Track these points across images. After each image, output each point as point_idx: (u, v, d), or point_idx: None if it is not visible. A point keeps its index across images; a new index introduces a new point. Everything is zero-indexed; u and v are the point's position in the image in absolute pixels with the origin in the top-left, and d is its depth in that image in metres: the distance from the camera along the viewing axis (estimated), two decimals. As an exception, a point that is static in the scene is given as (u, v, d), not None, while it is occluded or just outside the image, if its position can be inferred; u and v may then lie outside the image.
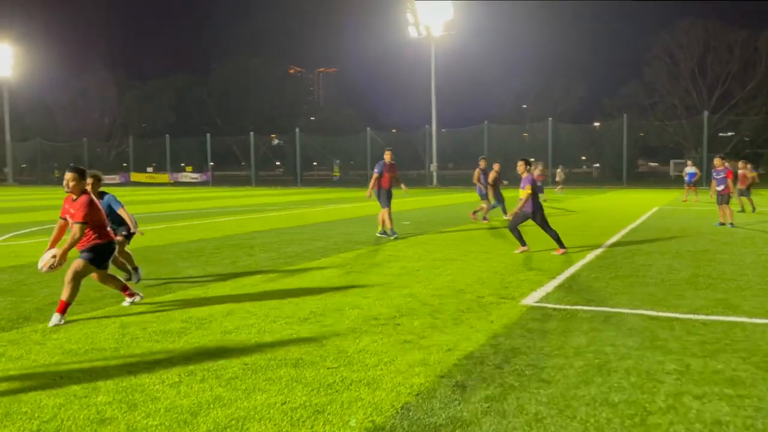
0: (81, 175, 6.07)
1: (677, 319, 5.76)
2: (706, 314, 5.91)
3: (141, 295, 6.67)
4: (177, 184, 56.22)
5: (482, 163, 16.62)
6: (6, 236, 13.44)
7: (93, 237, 6.01)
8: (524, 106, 72.22)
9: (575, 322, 5.66)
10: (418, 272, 8.39)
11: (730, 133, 59.97)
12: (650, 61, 61.14)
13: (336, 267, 8.86)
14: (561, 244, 10.08)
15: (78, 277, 5.88)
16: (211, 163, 70.77)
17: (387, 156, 12.58)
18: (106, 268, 6.19)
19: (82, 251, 6.01)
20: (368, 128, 52.02)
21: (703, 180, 44.48)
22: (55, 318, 5.74)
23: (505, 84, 71.09)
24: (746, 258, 9.40)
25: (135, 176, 58.78)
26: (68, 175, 6.01)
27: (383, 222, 12.57)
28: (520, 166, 10.23)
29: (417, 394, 3.90)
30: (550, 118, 48.68)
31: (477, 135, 48.58)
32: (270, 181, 64.26)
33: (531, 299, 6.65)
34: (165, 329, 5.54)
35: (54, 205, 25.18)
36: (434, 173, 48.23)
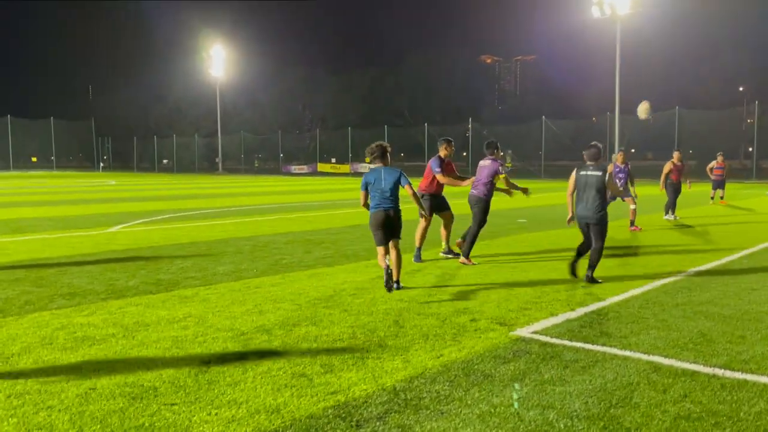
0: None
1: (696, 373, 4.19)
2: (745, 371, 4.23)
3: None
4: (357, 174, 58.57)
5: (677, 156, 14.34)
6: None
7: None
8: (741, 88, 63.21)
9: (549, 364, 4.38)
10: (449, 282, 7.36)
11: None
12: None
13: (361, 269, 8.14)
14: (464, 253, 8.74)
15: None
16: (403, 154, 72.79)
17: (443, 150, 9.23)
18: None
19: None
20: (543, 116, 49.20)
21: None
22: None
23: (711, 65, 62.42)
24: None
25: (321, 167, 62.30)
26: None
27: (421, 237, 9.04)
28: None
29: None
30: (756, 102, 41.82)
31: (666, 122, 43.36)
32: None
33: (530, 328, 5.37)
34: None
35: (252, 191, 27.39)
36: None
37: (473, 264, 8.65)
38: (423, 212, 7.68)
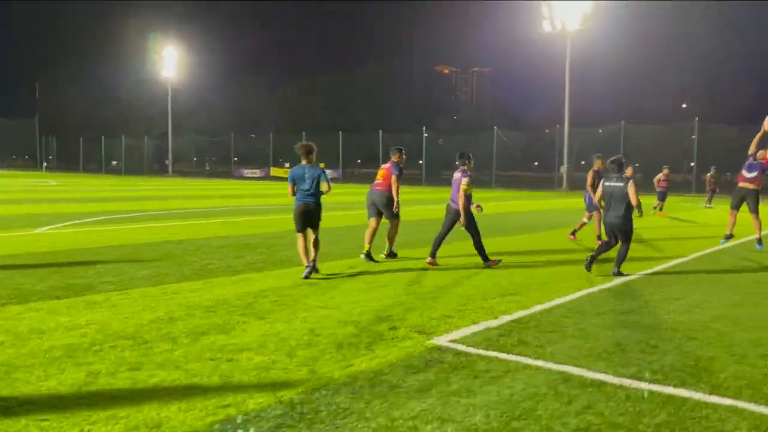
0: None
1: (604, 383, 4.12)
2: (664, 383, 4.18)
3: None
4: (310, 179, 58.23)
5: (599, 164, 12.27)
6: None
7: None
8: (684, 105, 65.59)
9: (460, 374, 4.25)
10: (377, 288, 7.20)
11: None
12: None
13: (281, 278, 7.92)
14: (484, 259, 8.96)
15: None
16: (360, 160, 72.55)
17: (396, 158, 9.59)
18: None
19: None
20: (495, 127, 49.82)
21: None
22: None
23: (656, 80, 64.67)
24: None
25: (274, 171, 61.58)
26: None
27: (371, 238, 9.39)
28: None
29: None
30: (696, 118, 43.42)
31: (613, 135, 44.45)
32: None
33: (449, 337, 5.25)
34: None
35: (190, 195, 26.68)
36: (564, 176, 45.00)
37: (498, 262, 9.01)
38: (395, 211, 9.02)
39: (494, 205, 24.15)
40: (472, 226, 8.90)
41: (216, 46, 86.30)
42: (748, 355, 4.86)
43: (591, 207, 12.22)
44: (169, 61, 66.21)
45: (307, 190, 7.97)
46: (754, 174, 10.74)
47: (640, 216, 8.53)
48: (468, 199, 8.90)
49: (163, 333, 5.20)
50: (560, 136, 45.90)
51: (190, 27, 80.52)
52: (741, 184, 11.08)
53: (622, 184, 8.17)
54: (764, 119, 10.56)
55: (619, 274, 8.29)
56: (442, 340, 5.14)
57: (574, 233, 12.44)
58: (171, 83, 67.46)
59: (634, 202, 8.13)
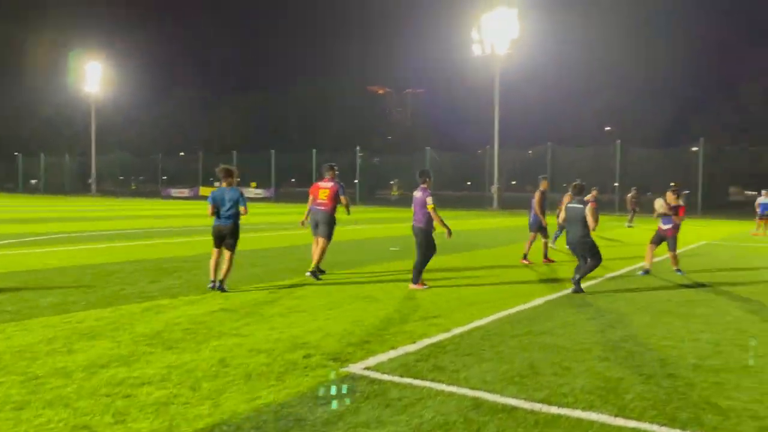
0: None
1: (515, 409, 4.09)
2: (573, 407, 4.19)
3: None
4: (242, 198, 57.18)
5: (544, 185, 12.71)
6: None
7: None
8: (607, 128, 68.41)
9: (371, 404, 4.12)
10: (297, 314, 7.00)
11: None
12: (746, 82, 56.14)
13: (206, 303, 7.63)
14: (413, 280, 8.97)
15: None
16: (294, 180, 71.68)
17: (330, 174, 9.98)
18: None
19: None
20: (427, 147, 50.52)
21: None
22: None
23: (582, 103, 67.47)
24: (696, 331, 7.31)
25: (203, 190, 60.12)
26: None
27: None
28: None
29: None
30: (618, 141, 45.48)
31: (542, 156, 45.92)
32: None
33: (365, 364, 5.13)
34: None
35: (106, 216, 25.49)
36: (495, 195, 45.99)
37: (426, 287, 8.86)
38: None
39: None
40: (430, 245, 8.92)
41: (144, 62, 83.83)
42: (655, 375, 4.96)
43: (533, 226, 12.54)
44: (93, 76, 63.89)
45: (226, 211, 8.34)
46: (669, 225, 11.07)
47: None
48: (430, 216, 8.87)
49: (58, 367, 4.84)
50: (490, 156, 46.93)
51: (117, 41, 77.93)
52: (661, 230, 11.28)
53: (581, 206, 8.78)
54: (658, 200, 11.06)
55: (578, 284, 8.76)
56: (356, 368, 5.01)
57: (525, 257, 12.47)
58: (95, 99, 65.04)
59: (591, 223, 8.63)
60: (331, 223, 9.79)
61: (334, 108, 76.29)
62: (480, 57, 46.51)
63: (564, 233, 14.92)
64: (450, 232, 8.98)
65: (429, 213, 8.81)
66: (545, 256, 12.60)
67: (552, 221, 12.67)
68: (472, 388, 4.54)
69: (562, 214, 9.58)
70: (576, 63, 68.67)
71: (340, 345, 5.71)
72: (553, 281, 10.02)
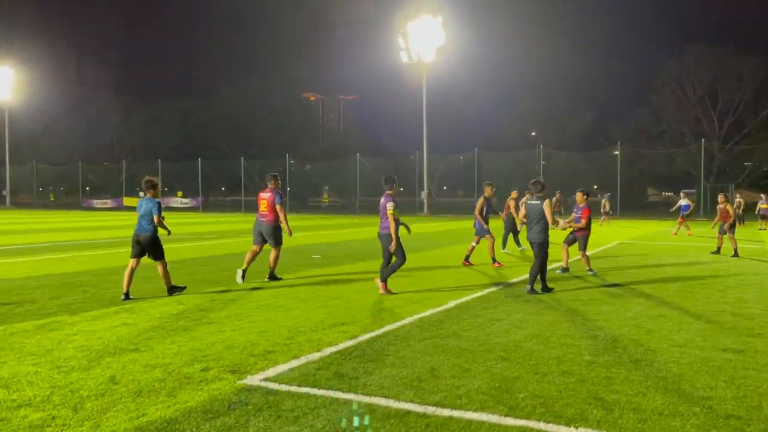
0: None
1: (408, 413, 4.09)
2: (457, 407, 4.22)
3: None
4: (168, 209, 55.43)
5: (488, 191, 12.95)
6: None
7: None
8: (533, 133, 70.50)
9: (262, 416, 4.02)
10: (202, 326, 6.80)
11: (747, 163, 57.38)
12: (658, 88, 59.09)
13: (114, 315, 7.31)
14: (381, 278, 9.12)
15: None
16: (225, 188, 69.95)
17: (273, 184, 10.30)
18: None
19: None
20: (357, 154, 50.66)
21: (701, 211, 42.17)
22: None
23: (507, 110, 69.47)
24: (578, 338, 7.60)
25: (127, 201, 58.10)
26: None
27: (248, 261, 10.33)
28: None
29: None
30: (541, 146, 47.00)
31: (470, 162, 46.89)
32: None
33: (264, 374, 5.02)
34: None
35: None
36: (425, 201, 46.56)
37: (393, 293, 8.94)
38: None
39: (355, 231, 24.30)
40: (399, 250, 8.94)
41: (65, 69, 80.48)
42: (550, 373, 5.08)
43: (481, 231, 12.78)
44: (5, 83, 60.69)
45: (142, 219, 8.57)
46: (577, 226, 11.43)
47: (554, 228, 9.43)
48: (396, 222, 8.97)
49: (-74, 393, 4.50)
50: (420, 162, 47.50)
51: (34, 49, 74.47)
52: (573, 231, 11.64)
53: (539, 203, 9.04)
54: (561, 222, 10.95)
55: (533, 292, 8.94)
56: (254, 380, 4.89)
57: (467, 259, 12.81)
58: (8, 107, 61.81)
59: (549, 218, 8.96)
60: (274, 233, 10.12)
61: (262, 115, 75.17)
62: (408, 64, 47.07)
63: (510, 236, 15.50)
64: (397, 242, 8.93)
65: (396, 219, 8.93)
66: (494, 260, 12.66)
67: (497, 224, 12.96)
68: (369, 395, 4.51)
69: (522, 211, 10.14)
70: (500, 71, 70.76)
71: (242, 356, 5.58)
72: (468, 285, 10.16)
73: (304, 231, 24.34)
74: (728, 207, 15.03)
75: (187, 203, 56.11)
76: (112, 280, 10.34)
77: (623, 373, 5.07)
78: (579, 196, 11.58)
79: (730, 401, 4.42)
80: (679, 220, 23.48)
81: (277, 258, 10.33)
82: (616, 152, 47.47)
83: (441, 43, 45.58)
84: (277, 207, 10.05)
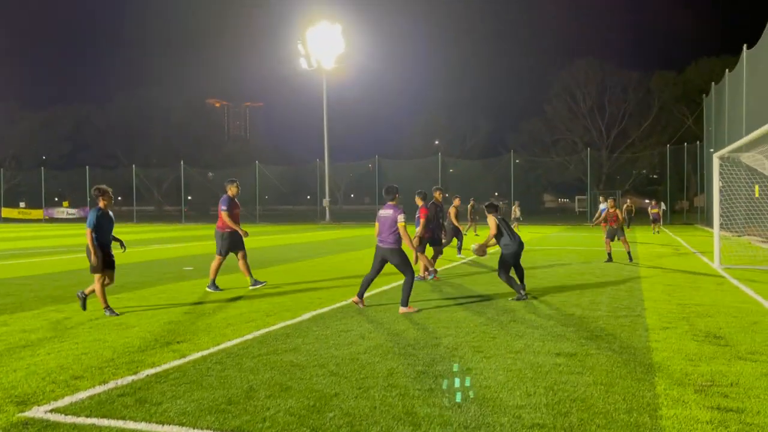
0: None
1: (197, 445, 3.71)
2: (255, 434, 3.88)
3: None
4: (51, 220, 51.96)
5: (457, 201, 13.67)
6: None
7: None
8: (436, 142, 71.85)
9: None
10: (13, 350, 6.10)
11: (639, 171, 61.07)
12: (551, 99, 61.90)
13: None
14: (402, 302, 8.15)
15: None
16: (120, 198, 66.10)
17: (232, 190, 10.28)
18: None
19: None
20: (257, 161, 49.63)
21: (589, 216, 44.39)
22: None
23: (409, 119, 70.58)
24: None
25: (6, 212, 53.92)
26: None
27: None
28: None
29: None
30: (439, 153, 47.93)
31: (370, 169, 47.03)
32: (154, 216, 60.58)
33: (55, 405, 4.47)
34: None
35: None
36: (327, 209, 46.20)
37: (416, 311, 8.13)
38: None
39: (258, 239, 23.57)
40: (406, 262, 8.13)
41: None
42: (375, 387, 4.85)
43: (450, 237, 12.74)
44: None
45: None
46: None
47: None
48: (398, 234, 8.11)
49: None
50: (321, 170, 47.14)
51: None
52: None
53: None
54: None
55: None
56: (39, 411, 4.35)
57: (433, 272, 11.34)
58: None
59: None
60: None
61: (161, 122, 72.20)
62: (308, 71, 46.68)
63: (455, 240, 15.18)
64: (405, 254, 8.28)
65: (398, 232, 8.04)
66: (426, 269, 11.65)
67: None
68: (163, 423, 4.09)
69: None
70: (402, 80, 71.78)
71: (40, 384, 4.99)
72: (336, 295, 9.89)
73: (181, 242, 23.35)
74: (617, 211, 15.07)
75: (73, 214, 52.80)
76: (-61, 300, 9.26)
77: (448, 384, 4.93)
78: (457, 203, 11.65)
79: (541, 409, 4.35)
80: (602, 225, 23.63)
81: (245, 264, 10.33)
82: (517, 161, 49.22)
83: (341, 51, 45.56)
84: (223, 214, 10.10)
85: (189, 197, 75.42)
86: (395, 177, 49.57)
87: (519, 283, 9.35)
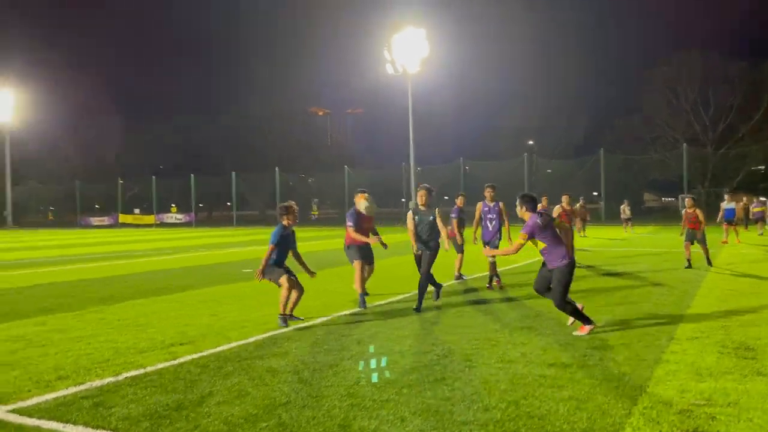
0: None
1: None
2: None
3: None
4: (162, 225, 55.49)
5: (459, 201, 12.12)
6: None
7: None
8: (530, 142, 69.90)
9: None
10: (30, 348, 6.47)
11: (749, 167, 56.47)
12: (650, 94, 58.40)
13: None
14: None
15: None
16: (229, 203, 69.58)
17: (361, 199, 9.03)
18: None
19: None
20: (345, 166, 50.42)
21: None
22: None
23: (498, 119, 69.09)
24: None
25: (123, 218, 58.28)
26: None
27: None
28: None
29: None
30: (525, 154, 46.51)
31: (455, 172, 46.47)
32: (259, 220, 63.00)
33: (21, 405, 4.66)
34: None
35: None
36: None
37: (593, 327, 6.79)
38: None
39: (314, 244, 23.98)
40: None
41: (63, 88, 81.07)
42: (328, 396, 4.67)
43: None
44: (6, 104, 61.14)
45: None
46: None
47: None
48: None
49: None
50: (406, 172, 47.16)
51: (31, 65, 75.14)
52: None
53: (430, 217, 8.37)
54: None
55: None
56: (1, 410, 4.54)
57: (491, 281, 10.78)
58: (10, 128, 62.23)
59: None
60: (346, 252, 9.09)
61: (261, 130, 74.83)
62: (394, 76, 46.86)
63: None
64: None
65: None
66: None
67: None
68: (98, 428, 4.14)
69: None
70: (489, 81, 70.35)
71: (26, 383, 5.23)
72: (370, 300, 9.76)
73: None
74: (697, 211, 13.28)
75: (180, 219, 56.14)
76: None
77: (413, 393, 4.67)
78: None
79: (488, 426, 4.00)
80: (725, 226, 21.61)
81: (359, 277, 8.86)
82: (612, 159, 46.89)
83: (425, 55, 45.38)
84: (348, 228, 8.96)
85: (292, 203, 77.34)
86: (481, 178, 48.72)
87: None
